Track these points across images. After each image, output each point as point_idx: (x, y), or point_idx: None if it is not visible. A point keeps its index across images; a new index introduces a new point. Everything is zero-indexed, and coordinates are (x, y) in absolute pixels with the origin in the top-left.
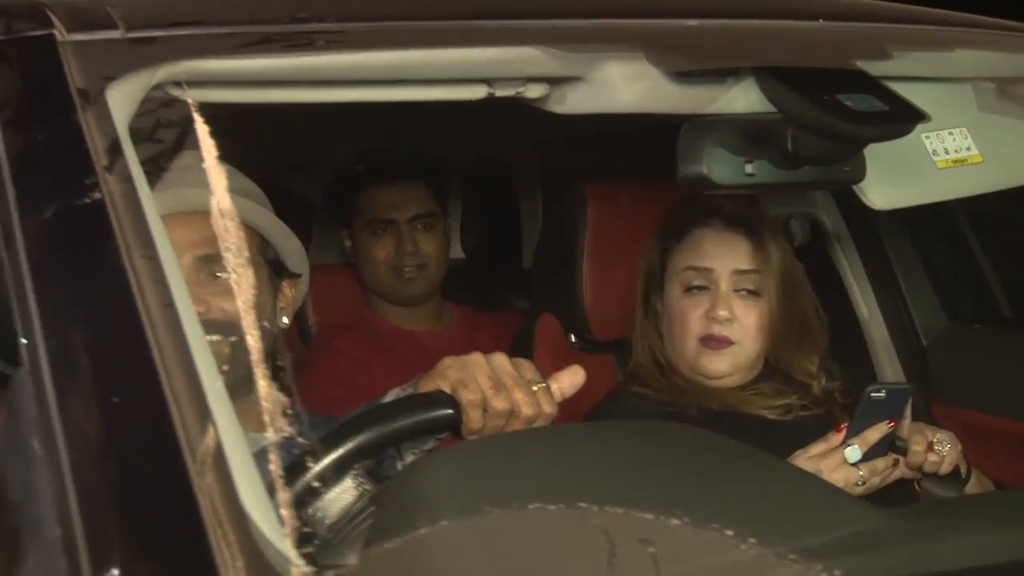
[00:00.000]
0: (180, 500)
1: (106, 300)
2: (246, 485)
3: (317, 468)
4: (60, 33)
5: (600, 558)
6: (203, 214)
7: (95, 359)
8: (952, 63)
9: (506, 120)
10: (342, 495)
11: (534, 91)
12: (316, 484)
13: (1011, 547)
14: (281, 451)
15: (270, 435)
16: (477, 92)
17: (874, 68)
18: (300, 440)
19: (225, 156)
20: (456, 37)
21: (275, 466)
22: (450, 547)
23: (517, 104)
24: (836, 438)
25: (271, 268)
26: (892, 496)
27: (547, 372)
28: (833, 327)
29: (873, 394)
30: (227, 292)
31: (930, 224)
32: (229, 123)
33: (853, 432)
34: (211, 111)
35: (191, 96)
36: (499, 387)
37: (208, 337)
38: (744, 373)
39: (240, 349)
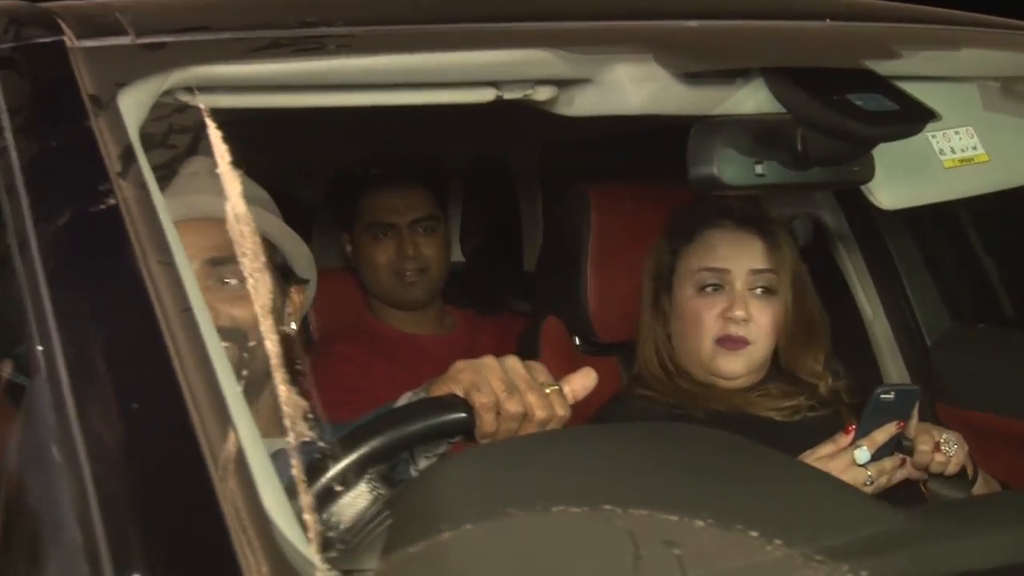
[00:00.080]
0: (203, 505)
1: (123, 306)
2: (268, 490)
3: (331, 473)
4: (70, 40)
5: (625, 560)
6: (211, 220)
7: (114, 365)
8: (959, 62)
9: (506, 122)
10: (356, 500)
11: (542, 94)
12: (331, 489)
13: None
14: (296, 456)
15: (282, 439)
16: (485, 95)
17: (881, 68)
18: (315, 446)
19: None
20: (464, 40)
21: (297, 471)
22: (475, 550)
23: (517, 106)
24: (844, 439)
25: (279, 274)
26: (898, 497)
27: (552, 375)
28: (837, 327)
29: (882, 395)
30: (235, 299)
31: (933, 224)
32: (228, 129)
33: (861, 433)
34: (213, 117)
35: (201, 102)
36: (512, 390)
37: None
38: (753, 374)
39: (251, 355)
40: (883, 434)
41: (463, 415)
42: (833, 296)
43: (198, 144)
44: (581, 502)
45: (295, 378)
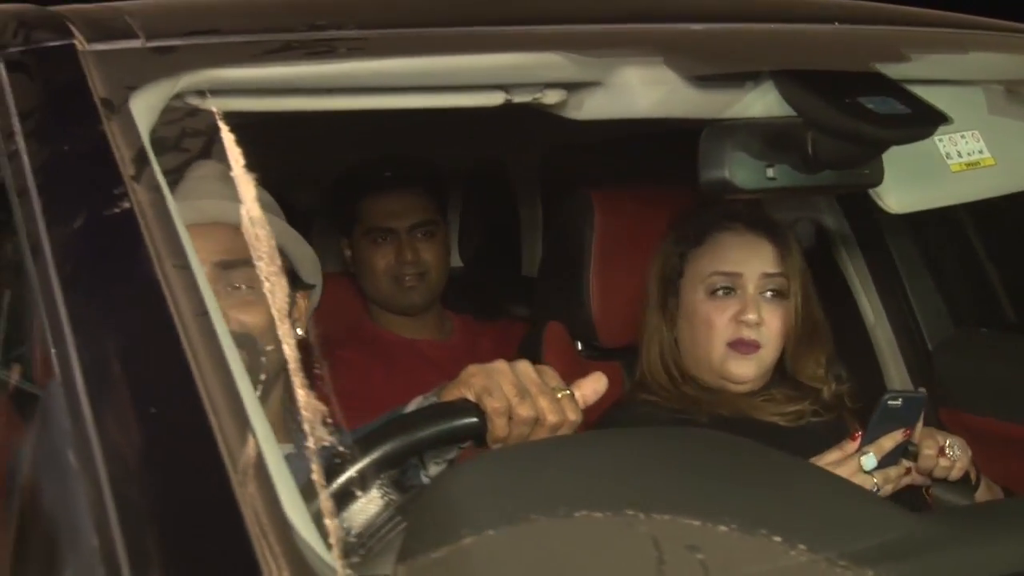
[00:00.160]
0: (223, 510)
1: (139, 310)
2: (287, 495)
3: (343, 478)
4: (80, 43)
5: (649, 565)
6: (221, 225)
7: (130, 370)
8: (966, 66)
9: (506, 127)
10: (368, 505)
11: (551, 97)
12: (343, 494)
13: None
14: (314, 461)
15: (288, 444)
16: (495, 99)
17: (890, 71)
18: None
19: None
20: (474, 43)
21: (316, 475)
22: (498, 556)
23: (521, 110)
24: (851, 446)
25: (287, 279)
26: (901, 502)
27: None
28: (839, 331)
29: (890, 402)
30: (245, 304)
31: (935, 228)
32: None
33: (868, 440)
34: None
35: (211, 105)
36: (524, 395)
37: None
38: (760, 379)
39: (261, 360)
40: (890, 441)
41: (475, 420)
42: (835, 300)
43: (207, 148)
44: (603, 507)
45: (312, 383)
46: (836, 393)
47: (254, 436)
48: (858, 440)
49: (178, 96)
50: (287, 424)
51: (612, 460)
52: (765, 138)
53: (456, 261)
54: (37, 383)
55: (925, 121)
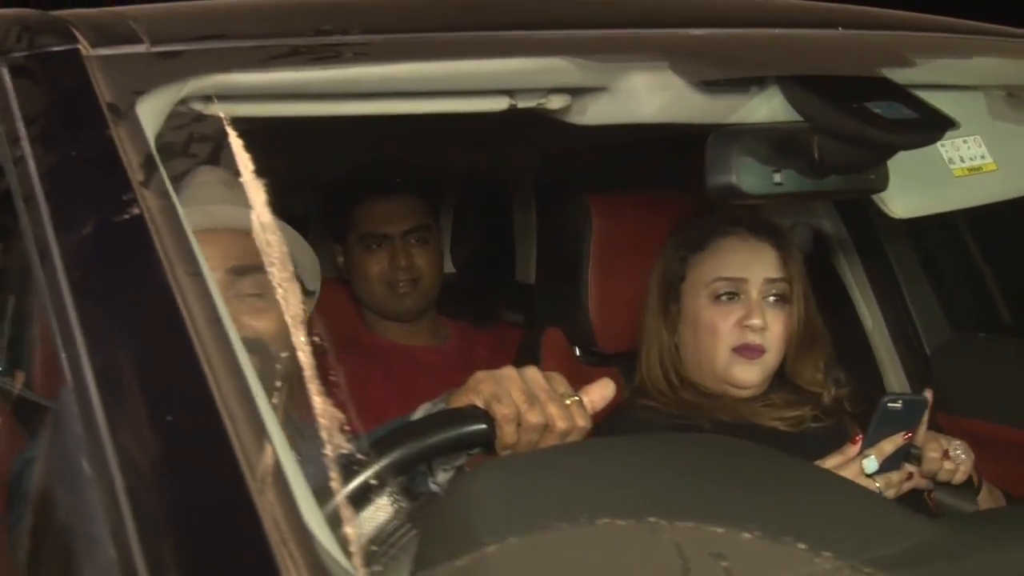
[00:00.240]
0: (242, 518)
1: (152, 317)
2: (305, 503)
3: (353, 485)
4: (85, 48)
5: (674, 573)
6: (230, 231)
7: (145, 377)
8: (971, 71)
9: (500, 132)
10: (377, 512)
11: (556, 102)
12: (353, 501)
13: None
14: (309, 469)
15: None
16: (500, 104)
17: (893, 76)
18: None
19: None
20: (481, 48)
21: (336, 483)
22: (520, 564)
23: (523, 115)
24: (852, 449)
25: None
26: (906, 507)
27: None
28: (838, 336)
29: (889, 404)
30: (256, 310)
31: (932, 232)
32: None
33: (869, 443)
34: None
35: (216, 110)
36: (533, 401)
37: None
38: (763, 384)
39: (275, 367)
40: (890, 444)
41: (484, 426)
42: (833, 305)
43: (212, 153)
44: (625, 514)
45: (329, 389)
46: (836, 397)
47: (271, 443)
48: (859, 443)
49: (182, 101)
50: (287, 431)
51: (628, 467)
52: (772, 143)
53: (449, 267)
54: (41, 390)
55: (933, 126)
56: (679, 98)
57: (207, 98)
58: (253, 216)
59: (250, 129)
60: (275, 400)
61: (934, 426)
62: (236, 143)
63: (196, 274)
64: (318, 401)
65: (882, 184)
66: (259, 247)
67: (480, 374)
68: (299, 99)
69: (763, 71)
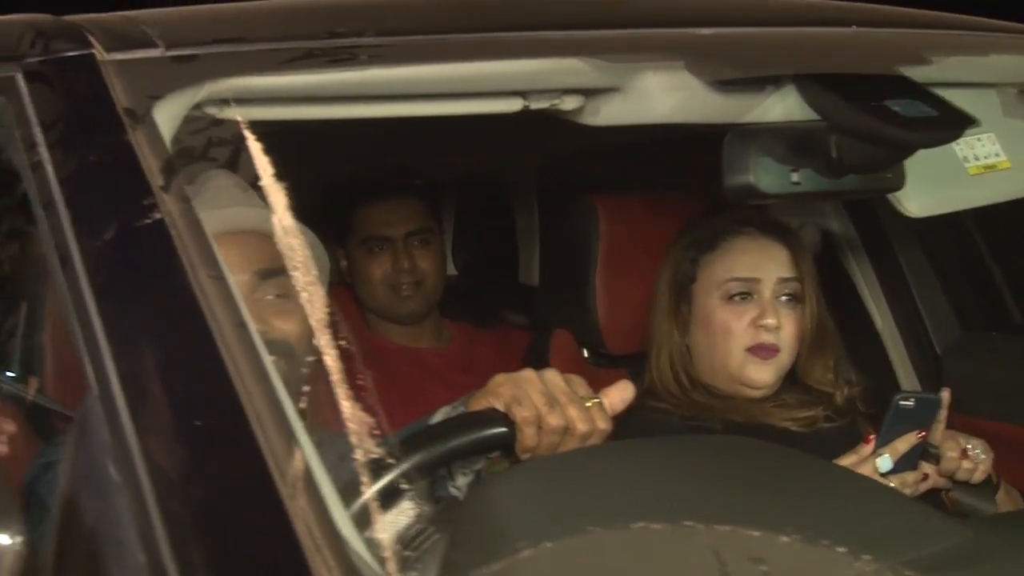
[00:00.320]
0: (274, 524)
1: (177, 322)
2: (336, 508)
3: (374, 489)
4: (100, 53)
5: None
6: (251, 233)
7: (171, 382)
8: (987, 68)
9: (502, 134)
10: (398, 517)
11: (569, 103)
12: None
13: None
14: (366, 472)
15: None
16: (513, 105)
17: (910, 74)
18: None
19: None
20: (495, 49)
21: (368, 488)
22: (556, 568)
23: (515, 117)
24: (865, 449)
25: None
26: None
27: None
28: (849, 336)
29: (902, 403)
30: (280, 313)
31: (941, 232)
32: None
33: (882, 442)
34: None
35: (230, 114)
36: (553, 404)
37: None
38: (775, 384)
39: (302, 372)
40: (904, 443)
41: (504, 429)
42: (843, 305)
43: (229, 157)
44: (659, 518)
45: (359, 393)
46: (849, 397)
47: (301, 449)
48: (872, 443)
49: (197, 106)
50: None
51: (657, 470)
52: (789, 142)
53: (450, 269)
54: (60, 395)
55: (953, 123)
56: (693, 98)
57: (221, 102)
58: (276, 219)
59: (257, 134)
60: (303, 404)
61: (950, 425)
62: (253, 147)
63: (219, 278)
64: (346, 404)
65: (899, 183)
66: (283, 250)
67: (499, 377)
68: (314, 102)
69: (778, 70)
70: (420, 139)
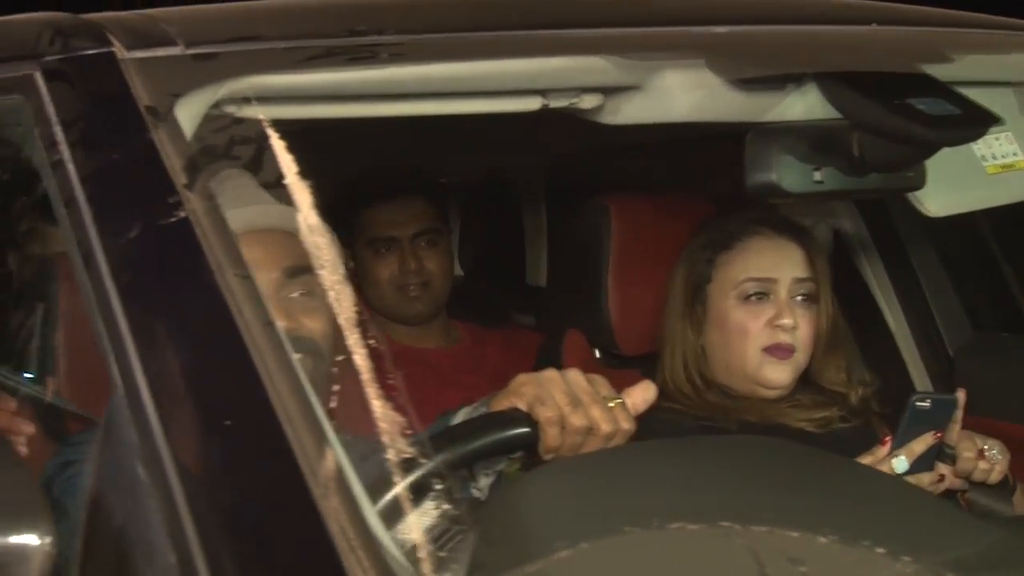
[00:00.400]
0: (308, 524)
1: (204, 321)
2: (369, 509)
3: (397, 489)
4: (120, 51)
5: None
6: (276, 231)
7: (200, 382)
8: (1008, 67)
9: (510, 133)
10: (422, 517)
11: (588, 102)
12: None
13: None
14: (398, 472)
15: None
16: (532, 104)
17: (929, 72)
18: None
19: None
20: (514, 48)
21: (402, 490)
22: (593, 569)
23: (528, 117)
24: (882, 450)
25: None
26: None
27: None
28: (864, 336)
29: (918, 403)
30: (306, 311)
31: (953, 232)
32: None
33: (898, 443)
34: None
35: (249, 113)
36: (576, 404)
37: None
38: (791, 385)
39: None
40: (921, 444)
41: (527, 430)
42: (856, 305)
43: (247, 156)
44: (696, 518)
45: (389, 392)
46: (863, 397)
47: (332, 449)
48: (888, 444)
49: (216, 105)
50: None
51: (689, 470)
52: (811, 141)
53: (457, 269)
54: (79, 396)
55: (977, 122)
56: (713, 96)
57: (240, 101)
58: (301, 217)
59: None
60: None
61: (963, 427)
62: (274, 145)
63: (246, 277)
64: (376, 404)
65: (920, 182)
66: (309, 248)
67: (522, 377)
68: (333, 101)
69: (798, 68)
70: (428, 140)
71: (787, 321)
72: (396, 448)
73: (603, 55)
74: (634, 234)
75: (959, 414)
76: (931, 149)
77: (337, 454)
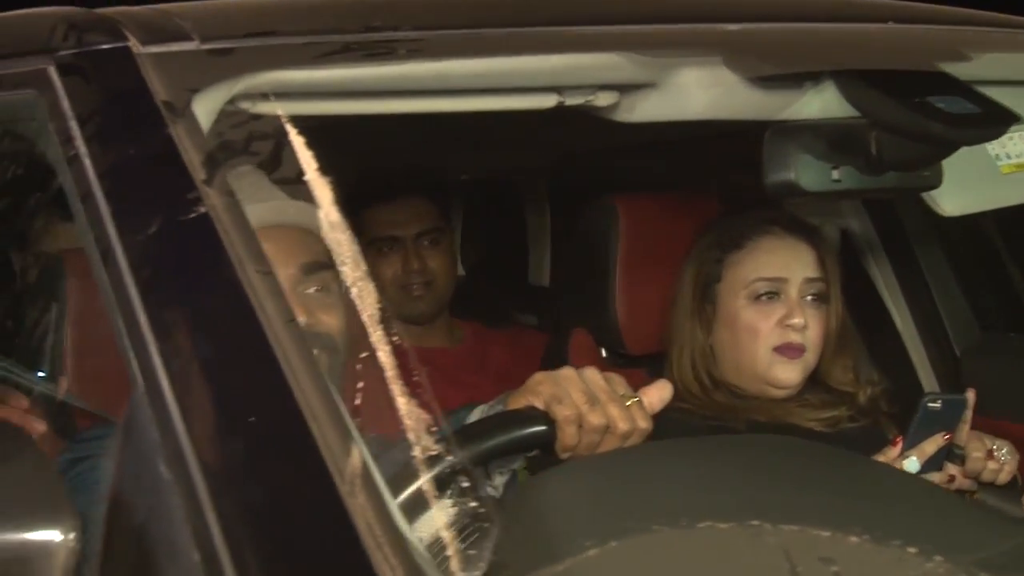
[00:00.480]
0: (335, 523)
1: (227, 318)
2: (395, 507)
3: (414, 487)
4: (135, 46)
5: None
6: (292, 228)
7: (223, 379)
8: (1020, 66)
9: (513, 133)
10: (438, 515)
11: (603, 99)
12: (415, 504)
13: None
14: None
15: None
16: (548, 101)
17: (949, 70)
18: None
19: None
20: (531, 44)
21: (429, 486)
22: (625, 568)
23: (529, 117)
24: (893, 451)
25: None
26: None
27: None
28: (872, 336)
29: (929, 404)
30: (326, 306)
31: (960, 232)
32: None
33: (909, 444)
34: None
35: (267, 109)
36: (594, 402)
37: None
38: (800, 384)
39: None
40: (932, 445)
41: (544, 428)
42: (863, 305)
43: (263, 152)
44: (726, 518)
45: (415, 390)
46: (872, 397)
47: (358, 446)
48: (899, 445)
49: (231, 100)
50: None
51: (714, 469)
52: (829, 139)
53: (459, 269)
54: (95, 393)
55: (996, 120)
56: (730, 94)
57: (256, 97)
58: (322, 213)
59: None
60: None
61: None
62: (291, 142)
63: (267, 273)
64: (402, 401)
65: (936, 181)
66: (331, 245)
67: (538, 375)
68: (350, 97)
69: (817, 66)
70: (429, 139)
71: (798, 321)
72: (415, 445)
73: (620, 52)
74: (641, 233)
75: (969, 414)
76: (950, 148)
77: (363, 451)
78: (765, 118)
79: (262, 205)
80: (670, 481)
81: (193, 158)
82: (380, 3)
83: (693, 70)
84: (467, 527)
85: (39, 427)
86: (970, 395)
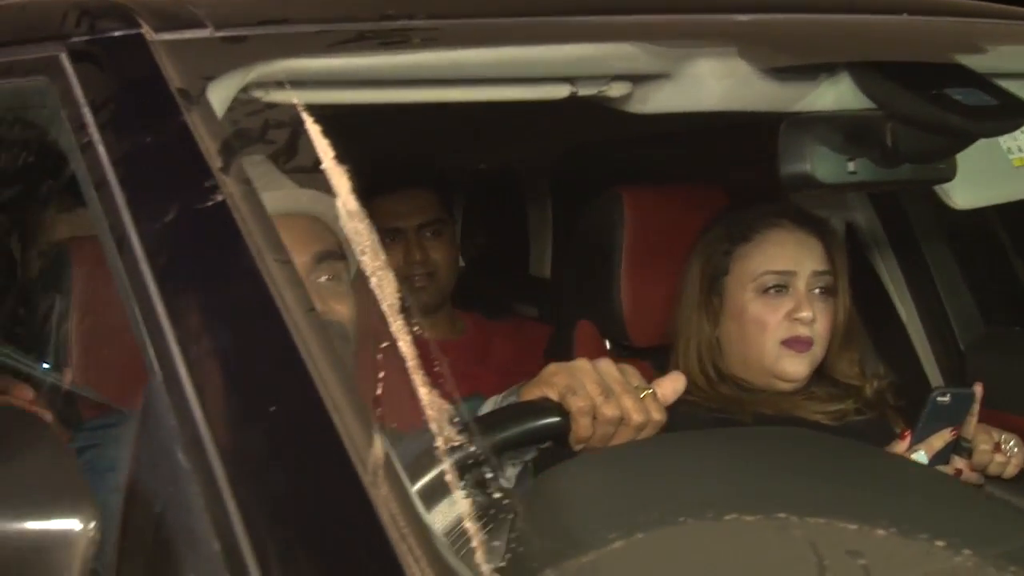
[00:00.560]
0: (358, 512)
1: (245, 306)
2: (418, 497)
3: (428, 478)
4: (148, 33)
5: (810, 570)
6: (305, 216)
7: (243, 367)
8: None
9: (516, 125)
10: (452, 507)
11: (616, 90)
12: (429, 495)
13: None
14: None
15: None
16: (560, 91)
17: (965, 62)
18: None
19: None
20: (546, 34)
21: (451, 476)
22: (651, 559)
23: (532, 109)
24: (901, 445)
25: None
26: None
27: None
28: (878, 330)
29: (939, 398)
30: (339, 295)
31: (966, 226)
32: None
33: (918, 438)
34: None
35: (280, 97)
36: (608, 394)
37: None
38: (807, 377)
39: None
40: (940, 439)
41: (558, 419)
42: (869, 299)
43: (277, 140)
44: (752, 510)
45: (436, 380)
46: (878, 390)
47: (380, 436)
48: (907, 439)
49: (245, 88)
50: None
51: (734, 461)
52: (845, 131)
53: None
54: (107, 382)
55: (1014, 112)
56: (745, 85)
57: (269, 85)
58: (340, 202)
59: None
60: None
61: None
62: (308, 129)
63: (286, 262)
64: (425, 393)
65: (951, 173)
66: (349, 234)
67: (553, 366)
68: (364, 86)
69: (832, 57)
70: (431, 130)
71: (806, 314)
72: (437, 435)
73: (634, 42)
74: (647, 225)
75: (976, 407)
76: (967, 140)
77: (384, 441)
78: (780, 110)
79: (272, 194)
80: (691, 473)
81: (209, 146)
82: None
83: (707, 61)
84: (487, 517)
85: (45, 417)
86: (978, 389)
